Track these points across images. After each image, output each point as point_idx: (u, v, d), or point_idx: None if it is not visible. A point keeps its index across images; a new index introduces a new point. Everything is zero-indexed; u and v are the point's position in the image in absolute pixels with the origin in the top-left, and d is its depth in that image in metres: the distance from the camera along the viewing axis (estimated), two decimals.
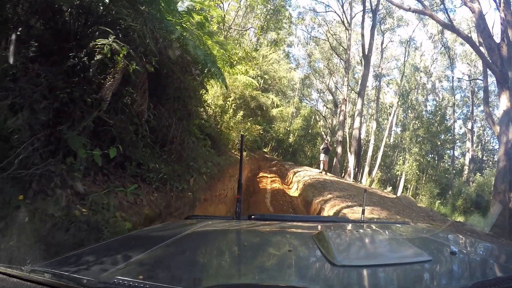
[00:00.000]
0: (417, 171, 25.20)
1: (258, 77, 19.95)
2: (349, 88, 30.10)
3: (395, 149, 35.29)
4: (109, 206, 2.93)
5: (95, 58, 3.02)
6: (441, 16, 18.78)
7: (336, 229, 1.94)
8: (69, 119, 3.22)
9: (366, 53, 25.19)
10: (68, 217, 2.57)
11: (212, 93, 12.04)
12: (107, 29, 3.12)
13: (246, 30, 22.44)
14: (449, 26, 17.00)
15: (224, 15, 16.82)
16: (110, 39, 3.02)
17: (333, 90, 38.58)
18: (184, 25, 4.88)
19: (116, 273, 0.98)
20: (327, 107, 41.42)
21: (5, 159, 2.51)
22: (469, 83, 33.61)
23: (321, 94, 42.19)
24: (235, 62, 14.64)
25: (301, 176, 14.82)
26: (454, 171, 29.20)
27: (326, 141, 18.16)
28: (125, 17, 3.36)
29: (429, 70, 36.83)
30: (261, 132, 16.78)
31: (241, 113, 13.27)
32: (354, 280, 1.09)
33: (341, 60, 31.56)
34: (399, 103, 32.62)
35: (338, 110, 34.55)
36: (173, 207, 4.23)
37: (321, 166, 17.62)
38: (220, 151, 10.22)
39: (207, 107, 10.60)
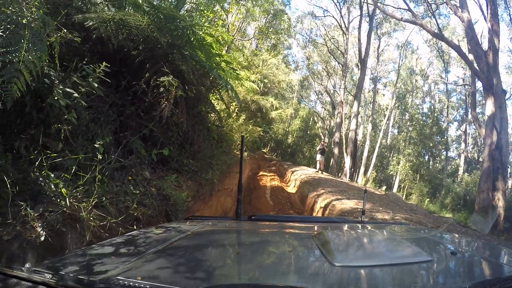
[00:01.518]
0: (410, 171, 26.73)
1: (258, 81, 21.37)
2: (347, 90, 31.40)
3: (391, 150, 36.80)
4: (165, 187, 4.46)
5: (160, 90, 4.59)
6: (434, 22, 20.10)
7: (336, 230, 1.98)
8: (131, 129, 4.73)
9: (363, 57, 26.53)
10: (147, 193, 4.11)
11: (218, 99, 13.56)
12: (167, 70, 4.66)
13: (248, 40, 23.83)
14: (439, 35, 18.42)
15: (228, 26, 18.32)
16: (169, 77, 4.56)
17: (331, 92, 39.65)
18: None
19: (116, 273, 1.01)
20: (325, 109, 42.77)
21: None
22: (463, 86, 34.99)
23: (319, 96, 43.47)
24: (239, 69, 16.10)
25: (299, 175, 16.25)
26: (447, 172, 30.67)
27: (322, 142, 19.59)
28: (176, 60, 4.98)
29: (426, 73, 38.13)
30: (261, 134, 18.23)
31: (243, 116, 14.69)
32: (354, 280, 1.12)
33: (339, 63, 32.81)
34: (396, 105, 34.07)
35: (336, 112, 35.28)
36: (201, 192, 5.72)
37: (317, 165, 18.90)
38: (225, 152, 11.73)
39: (219, 114, 12.13)
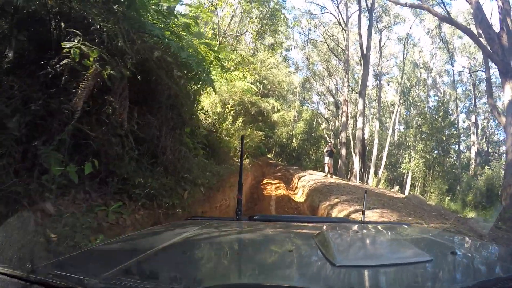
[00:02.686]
0: (423, 168, 24.64)
1: (257, 83, 19.65)
2: (350, 88, 29.65)
3: (399, 147, 34.86)
4: (82, 229, 2.57)
5: (62, 63, 2.67)
6: (437, 10, 18.32)
7: (336, 230, 1.93)
8: (45, 133, 2.92)
9: (365, 52, 24.95)
10: (32, 244, 2.21)
11: (210, 101, 11.74)
12: (74, 30, 2.77)
13: (241, 35, 22.01)
14: (447, 19, 16.72)
15: (219, 20, 16.53)
16: (76, 41, 2.67)
17: (334, 92, 38.34)
18: (169, 27, 4.54)
19: (117, 273, 0.97)
20: (328, 109, 41.00)
21: None
22: (470, 76, 33.17)
23: (322, 97, 41.79)
24: (232, 68, 14.27)
25: (306, 181, 14.44)
26: (461, 166, 28.61)
27: (329, 143, 17.79)
28: (95, 16, 3.00)
29: (429, 66, 36.40)
30: (263, 138, 16.41)
31: (241, 119, 12.92)
32: (355, 280, 1.08)
33: (340, 61, 31.08)
34: (401, 100, 32.22)
35: (340, 112, 34.16)
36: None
37: (326, 169, 17.34)
38: (220, 160, 9.87)
39: (203, 115, 10.29)
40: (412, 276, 1.13)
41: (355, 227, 2.10)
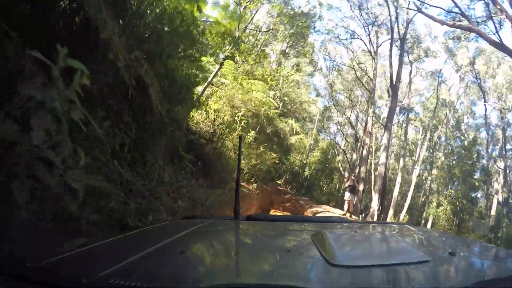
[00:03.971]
0: (451, 216, 21.27)
1: (277, 99, 16.98)
2: (374, 120, 26.80)
3: (418, 189, 31.41)
4: None
5: None
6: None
7: (335, 230, 1.91)
8: None
9: (394, 82, 22.51)
10: None
11: (217, 105, 9.06)
12: None
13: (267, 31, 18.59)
14: (500, 45, 14.00)
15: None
16: None
17: (354, 123, 35.40)
18: None
19: (114, 273, 0.95)
20: (347, 141, 37.87)
21: None
22: (500, 118, 29.91)
23: (341, 127, 38.72)
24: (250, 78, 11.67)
25: None
26: (490, 217, 24.86)
27: (352, 177, 14.96)
28: None
29: (455, 106, 33.34)
30: (277, 162, 13.58)
31: (253, 133, 10.15)
32: (353, 280, 1.05)
33: (366, 90, 28.27)
34: (427, 139, 29.11)
35: (359, 145, 31.51)
36: None
37: (346, 206, 14.42)
38: (217, 180, 7.11)
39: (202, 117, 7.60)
40: (411, 276, 1.10)
41: (354, 227, 2.06)
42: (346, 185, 14.94)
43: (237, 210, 2.09)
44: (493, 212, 24.88)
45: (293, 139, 16.88)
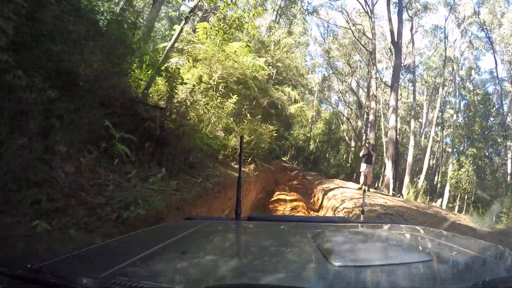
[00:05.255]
0: (474, 177, 18.62)
1: (269, 66, 14.33)
2: (378, 82, 24.12)
3: (432, 152, 28.84)
4: None
5: None
6: None
7: (335, 229, 1.84)
8: None
9: (396, 39, 19.92)
10: None
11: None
12: None
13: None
14: None
15: None
16: None
17: (355, 90, 32.71)
18: None
19: (116, 273, 0.93)
20: (350, 108, 35.19)
21: None
22: (509, 70, 26.97)
23: (342, 96, 36.05)
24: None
25: (339, 199, 8.97)
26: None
27: (366, 144, 12.30)
28: None
29: (459, 62, 30.51)
30: (275, 134, 11.02)
31: (234, 97, 7.61)
32: (354, 280, 1.01)
33: (366, 52, 25.44)
34: (436, 98, 26.39)
35: (365, 110, 29.04)
36: None
37: (362, 179, 11.97)
38: (179, 167, 4.66)
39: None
40: (412, 276, 1.06)
41: (354, 227, 2.06)
42: (361, 154, 12.34)
43: (238, 210, 2.03)
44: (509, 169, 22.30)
45: (292, 109, 14.31)
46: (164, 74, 5.76)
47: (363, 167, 11.87)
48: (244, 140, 9.36)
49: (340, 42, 30.87)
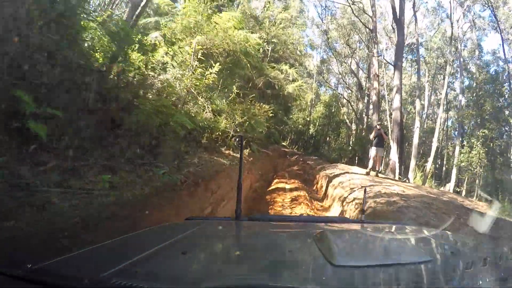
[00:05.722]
0: (485, 160, 17.24)
1: (265, 43, 12.92)
2: (379, 62, 22.70)
3: (430, 134, 27.55)
4: None
5: None
6: None
7: (336, 229, 1.85)
8: None
9: (398, 16, 18.42)
10: None
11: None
12: None
13: None
14: None
15: None
16: None
17: (355, 71, 31.20)
18: None
19: (116, 273, 0.91)
20: (350, 90, 33.69)
21: None
22: None
23: (342, 77, 34.48)
24: None
25: (347, 187, 7.69)
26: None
27: (378, 126, 10.94)
28: None
29: (462, 41, 29.01)
30: (271, 115, 9.64)
31: (217, 65, 6.21)
32: (354, 280, 1.02)
33: (368, 30, 24.02)
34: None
35: (365, 92, 27.71)
36: None
37: (370, 163, 10.78)
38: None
39: None
40: (412, 276, 1.07)
41: (355, 227, 2.01)
42: (371, 136, 10.97)
43: (238, 210, 2.01)
44: None
45: (290, 88, 12.89)
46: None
47: (373, 151, 10.61)
48: (236, 122, 8.12)
49: (339, 22, 29.22)
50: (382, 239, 1.56)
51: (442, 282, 1.05)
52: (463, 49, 29.16)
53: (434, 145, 19.98)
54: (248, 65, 9.96)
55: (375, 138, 10.55)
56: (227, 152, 7.43)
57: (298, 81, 13.42)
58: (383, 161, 18.32)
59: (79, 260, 1.10)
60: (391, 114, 20.23)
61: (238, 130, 8.22)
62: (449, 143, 27.17)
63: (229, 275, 1.04)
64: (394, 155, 16.47)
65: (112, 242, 1.36)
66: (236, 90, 8.43)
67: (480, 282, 1.03)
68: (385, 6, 27.12)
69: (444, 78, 24.35)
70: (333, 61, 33.42)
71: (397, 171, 15.91)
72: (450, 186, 19.50)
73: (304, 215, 6.45)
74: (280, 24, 15.13)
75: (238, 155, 8.59)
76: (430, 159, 19.35)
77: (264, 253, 1.29)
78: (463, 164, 18.03)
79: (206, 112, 7.33)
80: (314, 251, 1.21)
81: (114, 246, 1.32)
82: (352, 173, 10.56)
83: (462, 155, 18.14)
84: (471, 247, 1.66)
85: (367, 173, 10.33)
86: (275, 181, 11.14)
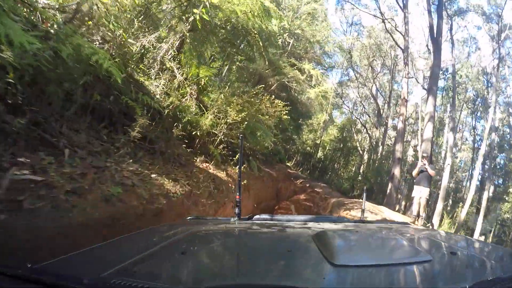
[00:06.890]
0: None
1: (285, 34, 9.79)
2: (409, 85, 19.69)
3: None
4: None
5: None
6: None
7: (336, 230, 1.77)
8: None
9: (435, 35, 16.28)
10: None
11: None
12: None
13: None
14: None
15: None
16: None
17: (375, 96, 28.31)
18: None
19: (116, 273, 0.91)
20: (368, 116, 30.34)
21: None
22: None
23: (361, 101, 31.29)
24: None
25: None
26: None
27: (423, 160, 7.84)
28: None
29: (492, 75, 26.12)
30: (285, 115, 6.41)
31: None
32: (354, 280, 1.00)
33: (398, 46, 20.81)
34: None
35: (384, 120, 24.57)
36: None
37: (415, 209, 7.94)
38: None
39: None
40: (412, 276, 1.05)
41: (355, 227, 1.92)
42: (414, 172, 7.74)
43: (238, 210, 1.99)
44: None
45: (312, 93, 9.73)
46: None
47: (418, 191, 7.49)
48: (229, 120, 4.91)
49: (363, 42, 26.37)
50: (382, 239, 1.53)
51: (442, 282, 1.02)
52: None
53: (472, 188, 16.36)
54: (264, 53, 6.90)
55: (419, 173, 7.58)
56: (203, 165, 4.20)
57: (322, 85, 10.26)
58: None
59: (78, 260, 1.07)
60: (415, 146, 17.15)
61: (231, 134, 5.05)
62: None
63: (229, 274, 1.05)
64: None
65: (112, 242, 1.34)
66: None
67: (481, 282, 0.94)
68: (416, 27, 24.41)
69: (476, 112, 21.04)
70: (350, 84, 30.48)
71: (424, 214, 12.62)
72: (474, 235, 16.07)
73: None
74: (306, 19, 12.05)
75: (220, 173, 5.66)
76: (466, 204, 15.65)
77: (264, 253, 1.27)
78: (506, 215, 14.48)
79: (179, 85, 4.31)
80: (314, 250, 1.18)
81: (114, 246, 1.31)
82: (387, 219, 7.22)
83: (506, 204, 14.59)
84: (471, 247, 1.63)
85: (413, 222, 7.04)
86: (279, 212, 7.83)
